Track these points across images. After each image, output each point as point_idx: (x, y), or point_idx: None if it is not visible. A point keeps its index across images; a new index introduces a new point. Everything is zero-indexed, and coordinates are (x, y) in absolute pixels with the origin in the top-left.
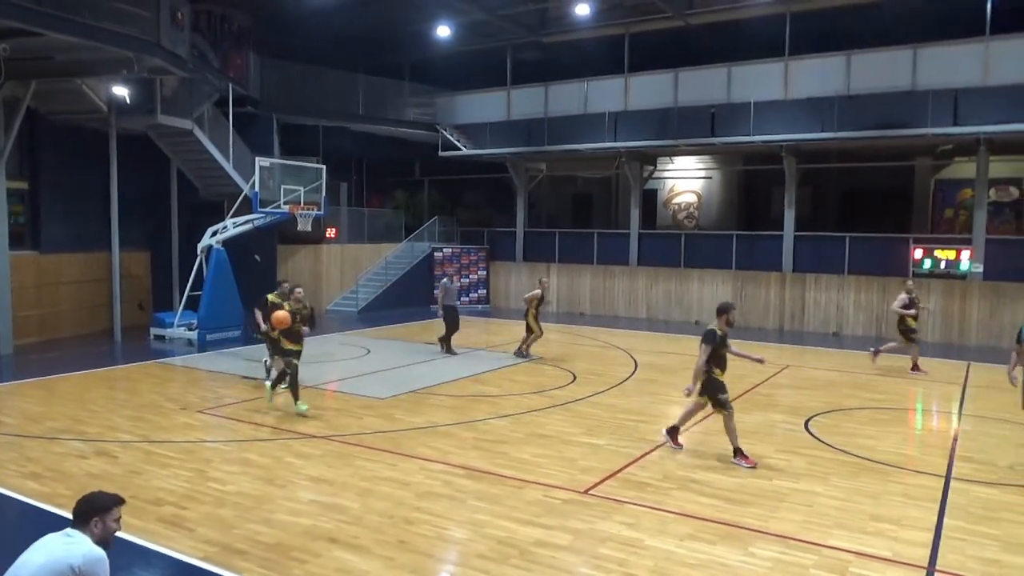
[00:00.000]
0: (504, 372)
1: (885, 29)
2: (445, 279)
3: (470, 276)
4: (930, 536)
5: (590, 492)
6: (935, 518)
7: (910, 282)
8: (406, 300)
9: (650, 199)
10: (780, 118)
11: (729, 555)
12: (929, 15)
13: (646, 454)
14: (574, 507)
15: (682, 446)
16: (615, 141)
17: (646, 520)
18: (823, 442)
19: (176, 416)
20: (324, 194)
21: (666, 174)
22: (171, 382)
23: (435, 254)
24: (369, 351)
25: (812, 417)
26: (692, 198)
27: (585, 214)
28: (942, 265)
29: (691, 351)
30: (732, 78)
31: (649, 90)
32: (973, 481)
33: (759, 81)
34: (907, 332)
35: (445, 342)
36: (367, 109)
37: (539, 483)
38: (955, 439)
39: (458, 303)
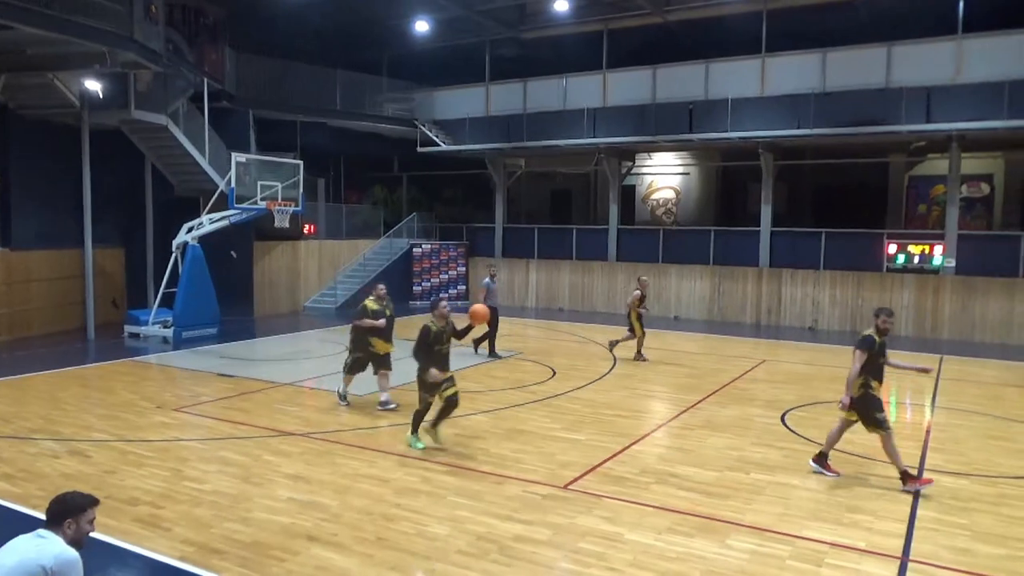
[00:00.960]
0: (484, 368)
1: (860, 27)
2: (488, 280)
3: (449, 272)
4: (904, 527)
5: (570, 487)
6: (908, 509)
7: None
8: None
9: (629, 195)
10: (757, 115)
11: (706, 548)
12: (903, 14)
13: (625, 448)
14: (554, 502)
15: (839, 473)
16: (594, 137)
17: (625, 514)
18: (799, 435)
19: (151, 415)
20: (301, 190)
21: (644, 170)
22: (146, 380)
23: (414, 250)
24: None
25: (788, 411)
26: (670, 194)
27: (564, 210)
28: (915, 260)
29: (669, 346)
30: (710, 75)
31: (627, 86)
32: (945, 472)
33: (736, 78)
34: None
35: (489, 344)
36: (345, 105)
37: (519, 478)
38: (928, 431)
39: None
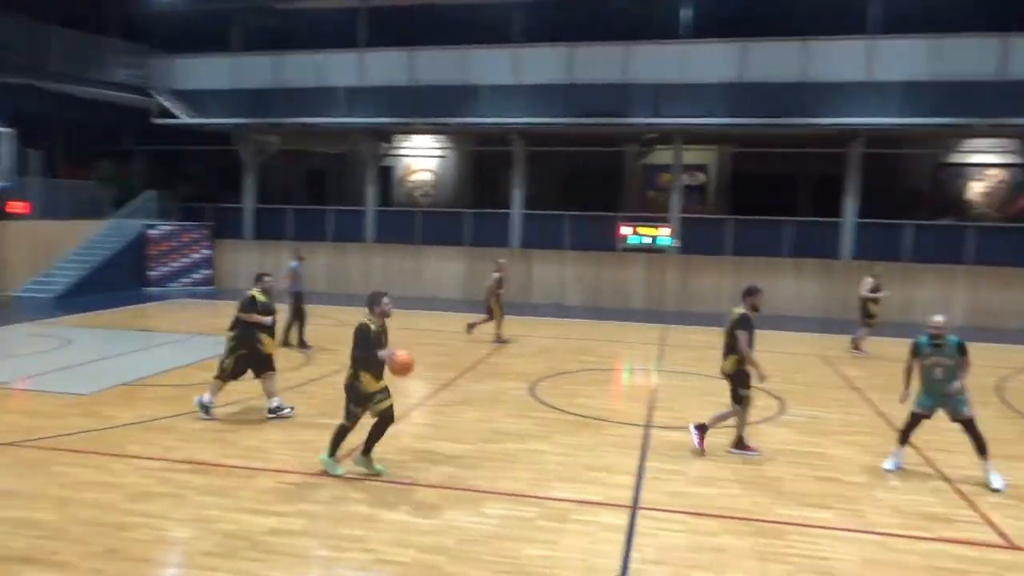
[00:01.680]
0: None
1: (603, 25)
2: (295, 263)
3: (192, 256)
4: (633, 479)
5: (326, 473)
6: (637, 463)
7: (878, 268)
8: (115, 283)
9: (387, 176)
10: (510, 102)
11: (461, 517)
12: (643, 17)
13: None
14: (310, 490)
15: (757, 450)
16: (351, 117)
17: (384, 495)
18: (547, 404)
19: None
20: (10, 163)
21: (402, 152)
22: None
23: (149, 232)
24: (71, 341)
25: (538, 382)
26: (428, 176)
27: (320, 190)
28: (646, 241)
29: (424, 325)
30: (467, 60)
31: (386, 67)
32: (666, 427)
33: (492, 65)
34: (867, 316)
35: (299, 335)
36: (64, 66)
37: (272, 469)
38: (653, 392)
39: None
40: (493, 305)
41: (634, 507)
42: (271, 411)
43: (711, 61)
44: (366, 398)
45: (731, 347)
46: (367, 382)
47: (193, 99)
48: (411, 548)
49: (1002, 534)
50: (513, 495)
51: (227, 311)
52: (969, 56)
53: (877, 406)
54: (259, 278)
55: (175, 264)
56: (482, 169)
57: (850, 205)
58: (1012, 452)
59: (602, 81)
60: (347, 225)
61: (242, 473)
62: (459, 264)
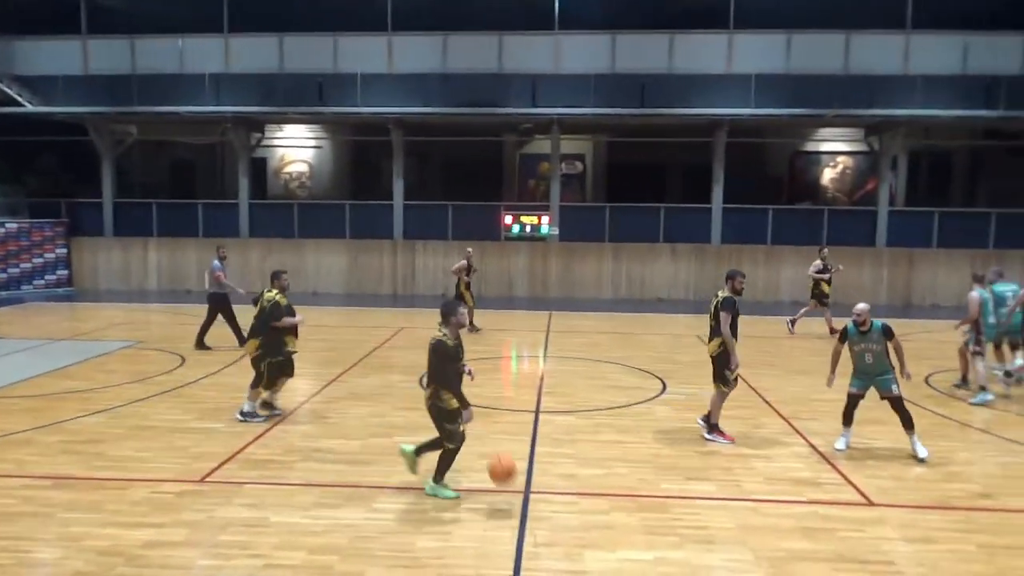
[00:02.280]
0: (96, 363)
1: (479, 15)
2: (216, 261)
3: (45, 255)
4: (525, 464)
5: (207, 480)
6: (528, 448)
7: (825, 250)
8: None
9: (260, 168)
10: (386, 91)
11: (354, 515)
12: (516, 7)
13: (267, 431)
14: (189, 499)
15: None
16: (218, 105)
17: (269, 497)
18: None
19: None
20: None
21: (276, 142)
22: None
23: None
24: None
25: (425, 374)
26: (303, 167)
27: (188, 183)
28: (528, 229)
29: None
30: (338, 48)
31: (254, 52)
32: (556, 412)
33: (365, 53)
34: (820, 297)
35: (200, 334)
36: None
37: (146, 480)
38: (542, 378)
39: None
40: (463, 292)
41: (526, 492)
42: (244, 414)
43: (583, 52)
44: (455, 413)
45: (716, 330)
46: (448, 399)
47: (39, 85)
48: (301, 550)
49: (863, 493)
50: (405, 489)
51: (87, 314)
52: (818, 51)
53: (749, 381)
54: (277, 275)
55: (26, 265)
56: (361, 159)
57: (717, 192)
58: (871, 417)
59: (478, 71)
60: (219, 220)
61: (114, 486)
62: (341, 257)
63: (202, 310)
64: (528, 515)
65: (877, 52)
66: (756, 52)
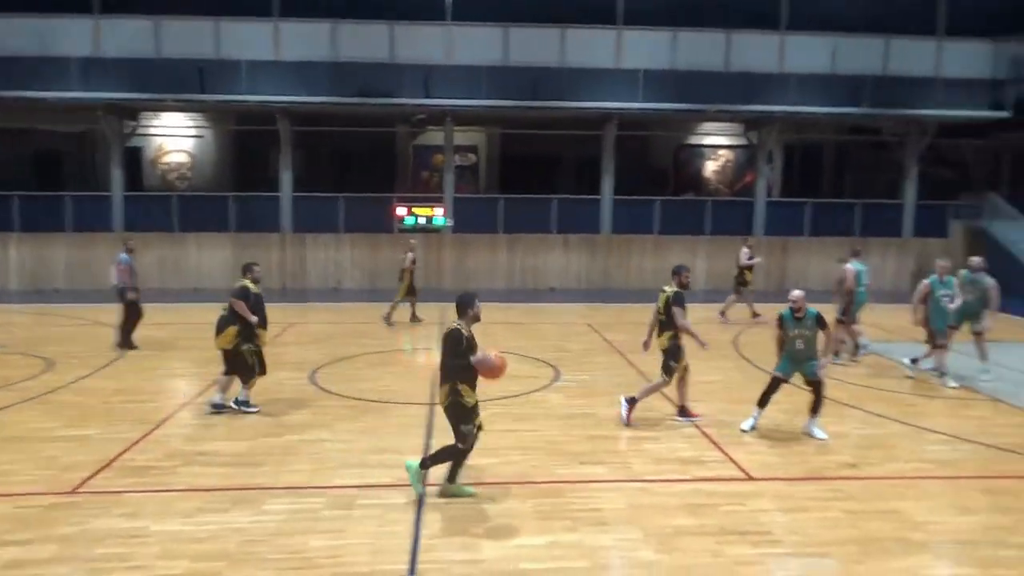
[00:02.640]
0: None
1: (371, 2)
2: (123, 254)
3: None
4: (420, 458)
5: (79, 490)
6: (423, 441)
7: (752, 239)
8: None
9: (135, 158)
10: (273, 79)
11: (241, 518)
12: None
13: (146, 435)
14: (59, 512)
15: (701, 415)
16: (87, 91)
17: (149, 505)
18: (327, 391)
19: None
20: None
21: (152, 131)
22: None
23: None
24: None
25: (316, 369)
26: (183, 158)
27: (54, 174)
28: (422, 221)
29: (190, 319)
30: (221, 33)
31: (127, 36)
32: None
33: (250, 39)
34: (743, 283)
35: (123, 335)
36: None
37: (10, 494)
38: (436, 371)
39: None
40: (405, 284)
41: (424, 485)
42: (215, 406)
43: (476, 44)
44: (472, 412)
45: (665, 324)
46: (468, 394)
47: None
48: (184, 558)
49: (743, 469)
50: (296, 488)
51: None
52: (702, 49)
53: (639, 367)
54: (249, 268)
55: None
56: (246, 150)
57: (607, 183)
58: (744, 397)
59: (369, 60)
60: (90, 213)
61: None
62: (225, 252)
63: (70, 309)
64: (424, 508)
65: (755, 51)
66: (644, 48)
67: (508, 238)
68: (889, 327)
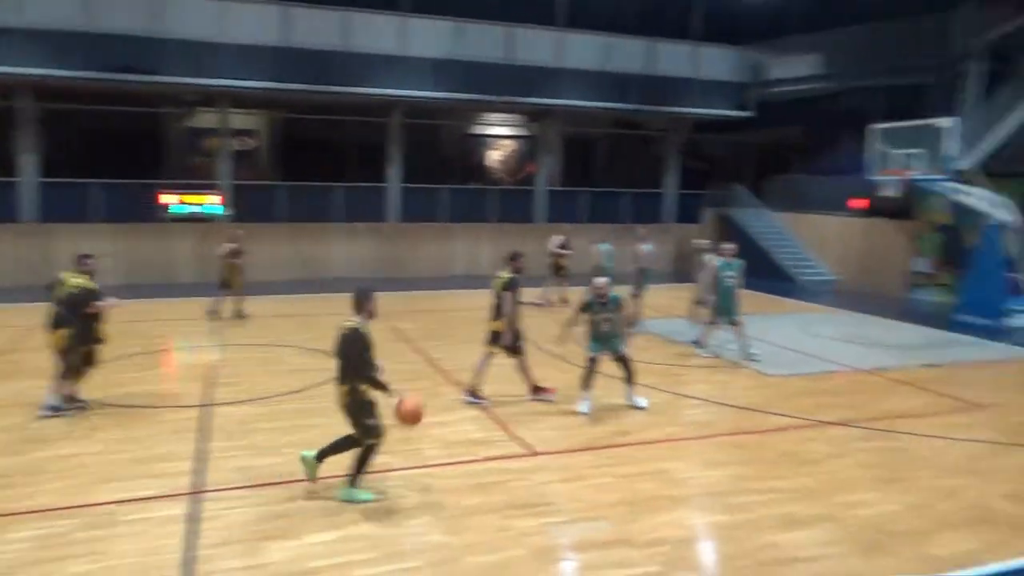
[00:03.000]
0: None
1: None
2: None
3: None
4: (193, 463)
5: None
6: (197, 446)
7: (566, 227)
8: None
9: None
10: (13, 50)
11: None
12: None
13: None
14: None
15: (490, 400)
16: None
17: None
18: (87, 399)
19: None
20: None
21: None
22: None
23: None
24: None
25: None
26: None
27: None
28: (194, 209)
29: None
30: None
31: None
32: (229, 403)
33: None
34: (557, 270)
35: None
36: None
37: None
38: (213, 369)
39: None
40: (229, 276)
41: (196, 492)
42: (52, 408)
43: (254, 22)
44: (373, 406)
45: (499, 310)
46: (367, 392)
47: None
48: None
49: (527, 445)
50: (45, 510)
51: None
52: (485, 41)
53: (428, 353)
54: (83, 259)
55: None
56: None
57: (394, 171)
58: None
59: (131, 32)
60: None
61: None
62: None
63: None
64: (200, 517)
65: (535, 46)
66: (429, 37)
67: (290, 227)
68: (655, 305)
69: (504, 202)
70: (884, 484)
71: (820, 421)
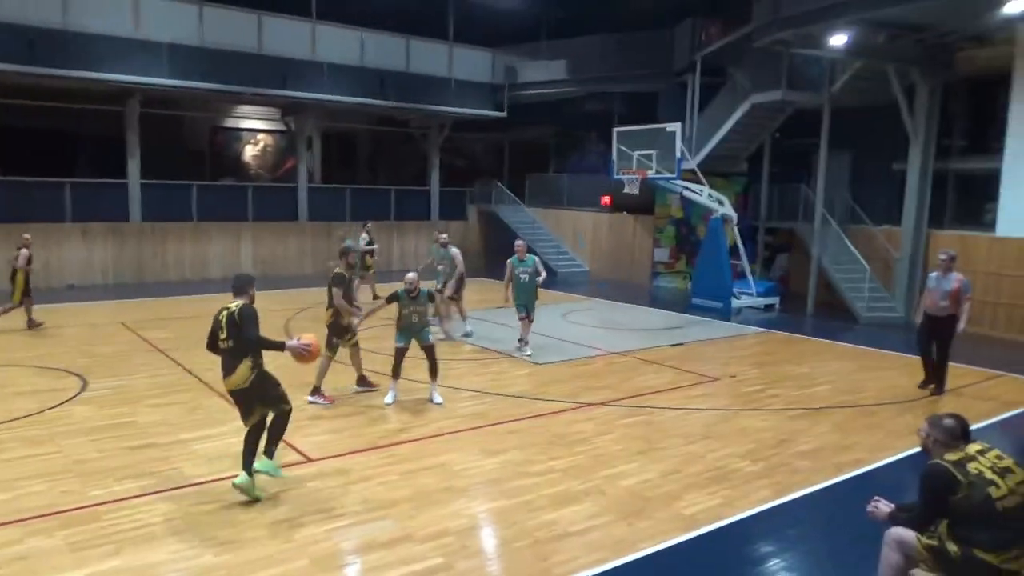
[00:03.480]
0: None
1: None
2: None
3: None
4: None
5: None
6: None
7: (369, 224)
8: None
9: None
10: None
11: None
12: None
13: None
14: None
15: (334, 400)
16: None
17: None
18: None
19: None
20: None
21: None
22: None
23: None
24: None
25: None
26: None
27: None
28: None
29: None
30: None
31: None
32: None
33: None
34: (366, 267)
35: None
36: None
37: None
38: None
39: None
40: (21, 285)
41: None
42: None
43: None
44: (270, 374)
45: (331, 301)
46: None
47: None
48: None
49: (302, 453)
50: None
51: None
52: (233, 28)
53: (184, 364)
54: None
55: None
56: None
57: (134, 166)
58: (295, 381)
59: None
60: None
61: None
62: None
63: None
64: None
65: (288, 37)
66: (167, 20)
67: (5, 227)
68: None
69: (263, 199)
70: (641, 455)
71: (586, 403)
